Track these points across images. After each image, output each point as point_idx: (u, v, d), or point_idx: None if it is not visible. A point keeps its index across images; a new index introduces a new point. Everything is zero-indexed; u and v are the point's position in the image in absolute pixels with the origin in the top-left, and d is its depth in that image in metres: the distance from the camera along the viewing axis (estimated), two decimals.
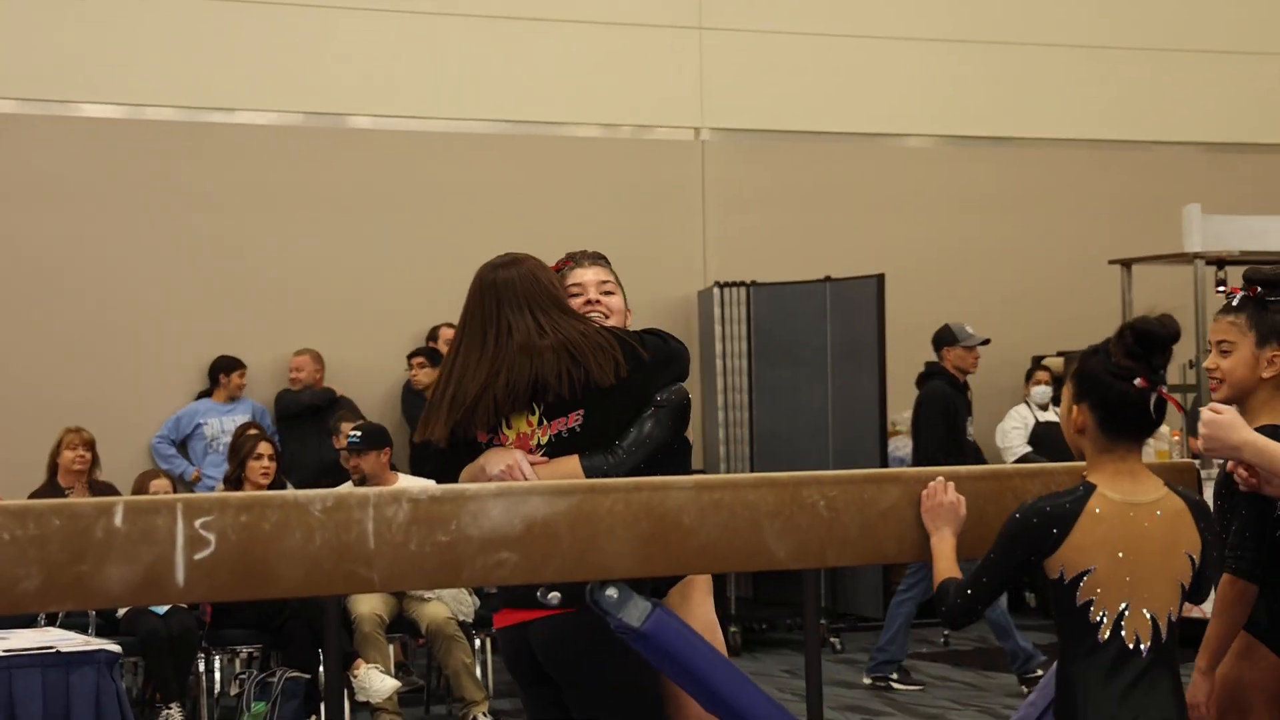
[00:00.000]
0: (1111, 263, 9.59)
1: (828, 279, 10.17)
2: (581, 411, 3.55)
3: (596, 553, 3.02)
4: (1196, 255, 8.83)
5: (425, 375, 9.57)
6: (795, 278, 10.33)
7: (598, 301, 3.84)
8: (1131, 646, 2.99)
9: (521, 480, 3.47)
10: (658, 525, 3.05)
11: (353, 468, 7.62)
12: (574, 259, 3.95)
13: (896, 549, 3.24)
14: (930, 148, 11.48)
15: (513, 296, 3.61)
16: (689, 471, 3.88)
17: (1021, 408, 10.44)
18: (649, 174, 10.75)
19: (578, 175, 10.59)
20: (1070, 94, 11.62)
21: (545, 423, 3.56)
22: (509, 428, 3.58)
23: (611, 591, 3.11)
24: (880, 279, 9.87)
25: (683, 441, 3.73)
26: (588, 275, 3.89)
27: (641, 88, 10.80)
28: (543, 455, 3.55)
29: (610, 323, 3.79)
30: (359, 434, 7.61)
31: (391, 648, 7.67)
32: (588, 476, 3.46)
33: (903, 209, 11.20)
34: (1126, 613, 2.99)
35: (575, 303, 3.79)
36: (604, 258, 3.97)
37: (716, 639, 3.78)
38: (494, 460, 3.54)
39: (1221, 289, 9.26)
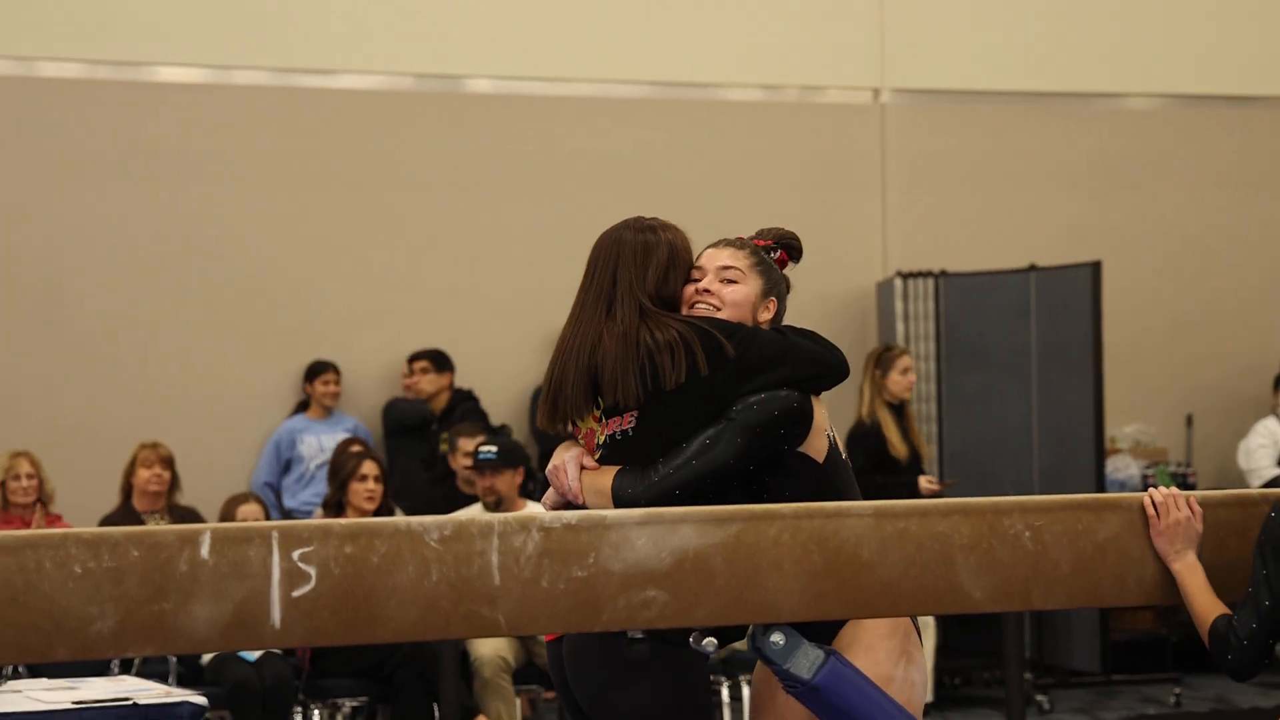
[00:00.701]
0: None
1: (1032, 267, 10.06)
2: (635, 414, 3.61)
3: (758, 590, 3.02)
4: None
5: (429, 383, 9.57)
6: (992, 266, 10.23)
7: (708, 292, 3.83)
8: None
9: (565, 485, 3.58)
10: (831, 559, 3.04)
11: (485, 489, 7.68)
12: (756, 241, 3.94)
13: (1116, 590, 3.20)
14: (1157, 110, 11.30)
15: (626, 268, 3.74)
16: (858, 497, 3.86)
17: (1270, 421, 10.26)
18: (819, 143, 10.72)
19: (735, 146, 10.59)
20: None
21: (604, 420, 3.67)
22: (581, 420, 3.73)
23: (777, 638, 3.11)
24: (1096, 267, 9.74)
25: (839, 463, 3.70)
26: (712, 258, 3.89)
27: (810, 41, 10.78)
28: (598, 457, 3.65)
29: (722, 315, 3.80)
30: (493, 449, 7.67)
31: (519, 701, 7.72)
32: (614, 497, 3.49)
33: (1123, 183, 11.05)
34: None
35: (688, 289, 3.83)
36: (752, 242, 3.94)
37: (909, 700, 3.73)
38: (554, 455, 3.70)
39: None
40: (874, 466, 8.64)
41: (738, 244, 3.92)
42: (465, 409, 9.52)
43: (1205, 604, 3.17)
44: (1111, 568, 3.17)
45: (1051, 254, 10.17)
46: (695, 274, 3.86)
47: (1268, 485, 9.70)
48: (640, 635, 3.42)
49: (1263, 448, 10.10)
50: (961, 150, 10.86)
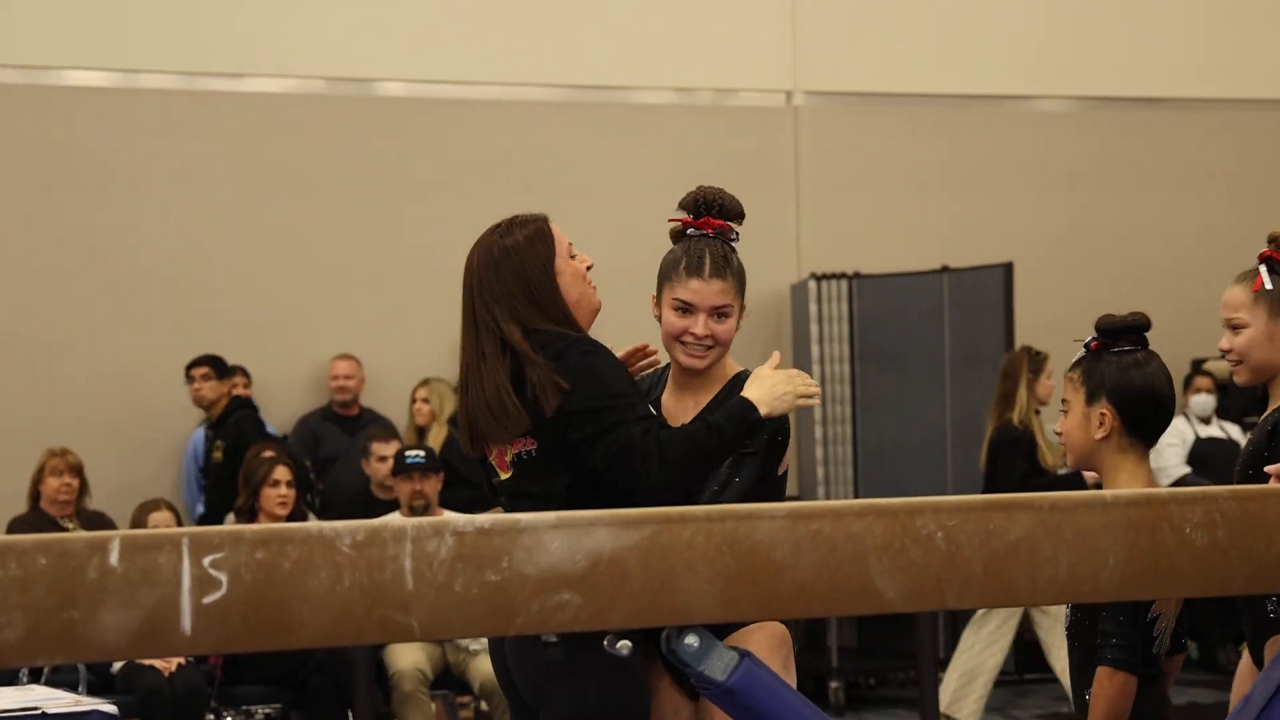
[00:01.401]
0: None
1: (945, 269, 10.13)
2: (534, 439, 3.70)
3: (672, 593, 3.01)
4: None
5: (210, 390, 9.36)
6: (906, 268, 10.30)
7: (704, 337, 3.83)
8: None
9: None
10: (745, 561, 3.04)
11: (413, 493, 7.70)
12: (690, 250, 3.86)
13: (1028, 589, 3.21)
14: (1067, 112, 11.41)
15: (496, 285, 3.78)
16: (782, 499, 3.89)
17: (1179, 421, 10.37)
18: (732, 146, 10.75)
19: (648, 148, 10.61)
20: (1233, 47, 11.52)
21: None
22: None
23: (691, 640, 3.11)
24: (1008, 268, 9.83)
25: (772, 474, 3.78)
26: (703, 295, 3.82)
27: (723, 44, 10.81)
28: (509, 476, 3.73)
29: (711, 358, 3.82)
30: (420, 453, 7.71)
31: (435, 706, 7.71)
32: None
33: (1034, 184, 11.15)
34: None
35: (674, 324, 3.83)
36: (731, 260, 3.89)
37: None
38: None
39: None
40: (1031, 471, 8.16)
41: (723, 266, 3.84)
42: (240, 416, 9.30)
43: None
44: (1024, 567, 3.18)
45: (964, 255, 10.25)
46: (678, 305, 3.83)
47: (1176, 484, 9.80)
48: (555, 639, 3.44)
49: (1172, 446, 10.20)
50: (875, 152, 10.92)
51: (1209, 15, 11.54)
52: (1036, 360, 8.47)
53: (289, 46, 10.18)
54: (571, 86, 10.63)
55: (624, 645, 3.17)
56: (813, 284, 10.35)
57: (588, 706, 3.58)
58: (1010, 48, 11.25)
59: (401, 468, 7.81)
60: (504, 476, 3.77)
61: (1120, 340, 3.52)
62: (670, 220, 3.97)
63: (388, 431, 9.11)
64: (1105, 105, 11.43)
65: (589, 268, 3.84)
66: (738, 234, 3.95)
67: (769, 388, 3.69)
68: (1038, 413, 8.44)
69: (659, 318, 3.93)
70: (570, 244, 3.84)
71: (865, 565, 3.09)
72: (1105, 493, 3.37)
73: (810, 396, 3.73)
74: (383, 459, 8.53)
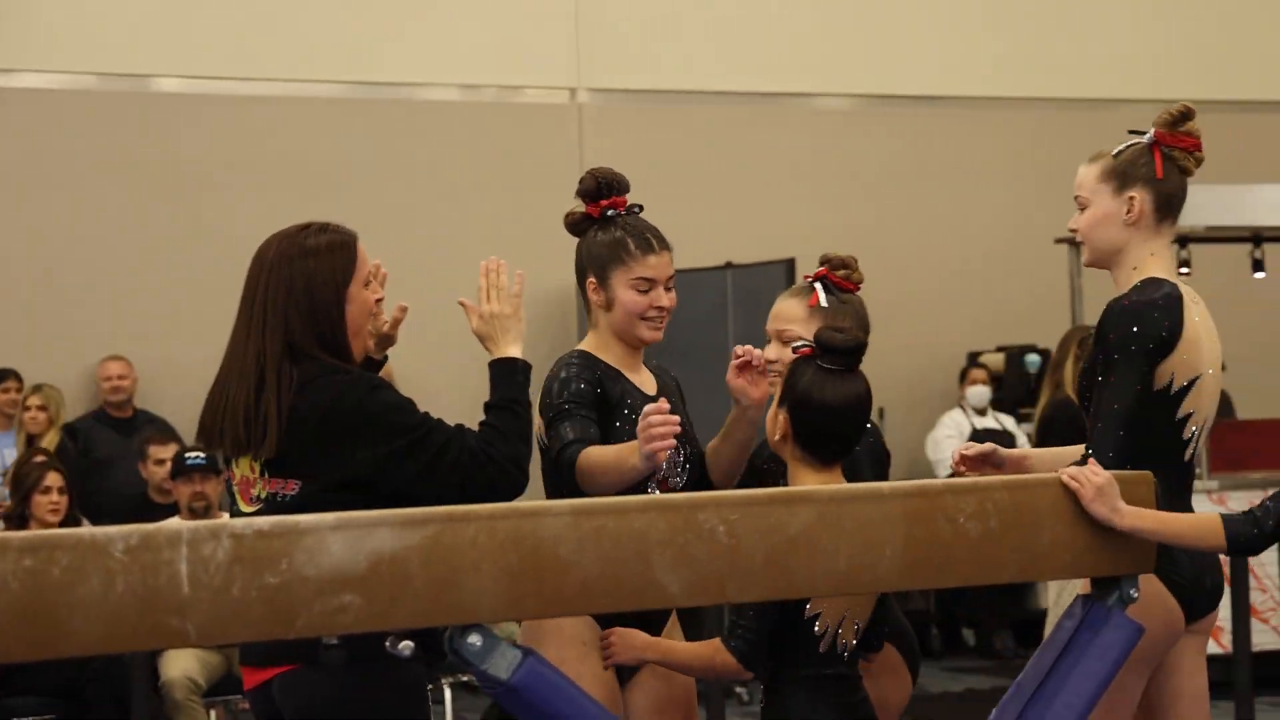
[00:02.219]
0: (1058, 242, 9.73)
1: (728, 265, 10.22)
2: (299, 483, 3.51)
3: (456, 592, 3.01)
4: None
5: None
6: (690, 264, 10.36)
7: (668, 308, 3.92)
8: None
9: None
10: (529, 558, 3.05)
11: (194, 495, 7.55)
12: (629, 229, 3.92)
13: (809, 581, 3.26)
14: (846, 109, 11.58)
15: (283, 284, 3.59)
16: None
17: (955, 413, 10.57)
18: (517, 143, 10.74)
19: (432, 146, 10.56)
20: (1009, 46, 11.77)
21: (265, 476, 3.55)
22: (236, 464, 3.60)
23: (475, 639, 3.10)
24: (790, 264, 9.94)
25: None
26: (660, 264, 3.91)
27: (507, 41, 10.80)
28: (257, 510, 3.51)
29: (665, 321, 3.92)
30: (200, 455, 7.54)
31: (214, 713, 7.60)
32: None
33: (816, 181, 11.29)
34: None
35: (638, 303, 3.88)
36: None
37: (608, 698, 3.77)
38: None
39: (1185, 271, 9.45)
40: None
41: (664, 237, 3.94)
42: None
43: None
44: (804, 560, 3.23)
45: (747, 252, 10.34)
46: (640, 284, 3.88)
47: (952, 476, 9.99)
48: (335, 641, 3.40)
49: (949, 439, 10.39)
50: (659, 149, 10.98)
51: (987, 15, 11.77)
52: (1084, 344, 8.42)
53: (60, 41, 9.95)
54: (353, 83, 10.54)
55: (406, 645, 3.16)
56: None
57: (368, 708, 3.52)
58: (789, 46, 11.37)
59: (181, 470, 7.66)
60: (246, 510, 3.56)
61: (828, 356, 3.56)
62: (571, 212, 4.03)
63: (164, 433, 8.95)
64: (885, 103, 11.62)
65: (379, 300, 3.73)
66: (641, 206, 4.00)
67: (500, 332, 3.69)
68: None
69: (602, 305, 3.96)
70: (370, 274, 3.67)
71: (649, 560, 3.11)
72: (883, 485, 3.44)
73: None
74: (160, 462, 8.38)
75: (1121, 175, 3.88)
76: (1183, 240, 9.15)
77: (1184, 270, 9.36)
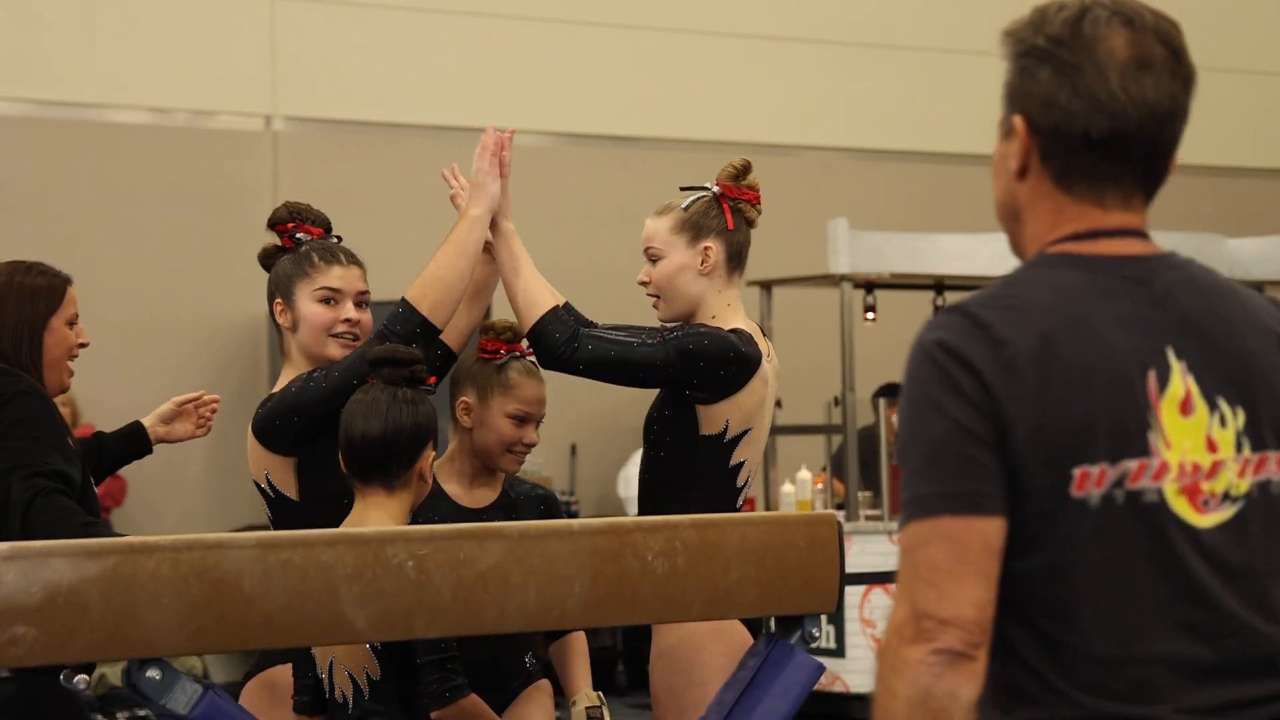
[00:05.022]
0: (751, 284, 9.91)
1: None
2: None
3: (135, 625, 2.96)
4: (844, 277, 9.12)
5: None
6: (387, 296, 10.29)
7: (355, 322, 3.83)
8: None
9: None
10: (212, 591, 3.02)
11: None
12: (319, 250, 3.88)
13: (497, 617, 3.27)
14: (545, 146, 11.64)
15: None
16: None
17: None
18: (209, 169, 10.57)
19: (121, 170, 10.32)
20: (691, 87, 11.89)
21: None
22: None
23: (154, 673, 3.05)
24: None
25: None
26: (347, 278, 3.85)
27: (200, 64, 10.62)
28: None
29: (357, 347, 3.77)
30: None
31: None
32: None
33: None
34: None
35: (323, 316, 3.77)
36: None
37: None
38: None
39: (870, 316, 9.72)
40: None
41: (354, 254, 3.92)
42: None
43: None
44: (493, 595, 3.24)
45: None
46: (325, 294, 3.85)
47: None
48: (7, 674, 3.31)
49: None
50: (354, 180, 10.89)
51: (651, 51, 11.94)
52: None
53: None
54: (37, 102, 10.25)
55: (80, 679, 3.09)
56: None
57: None
58: (489, 82, 11.39)
59: None
60: None
61: (381, 367, 3.61)
62: (265, 247, 3.99)
63: None
64: (583, 142, 11.70)
65: (82, 345, 3.91)
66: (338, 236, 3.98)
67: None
68: None
69: (290, 325, 3.90)
70: (77, 317, 3.91)
71: (336, 594, 3.10)
72: (573, 521, 3.47)
73: None
74: None
75: (695, 227, 4.02)
76: (869, 286, 9.40)
77: (869, 316, 9.63)
